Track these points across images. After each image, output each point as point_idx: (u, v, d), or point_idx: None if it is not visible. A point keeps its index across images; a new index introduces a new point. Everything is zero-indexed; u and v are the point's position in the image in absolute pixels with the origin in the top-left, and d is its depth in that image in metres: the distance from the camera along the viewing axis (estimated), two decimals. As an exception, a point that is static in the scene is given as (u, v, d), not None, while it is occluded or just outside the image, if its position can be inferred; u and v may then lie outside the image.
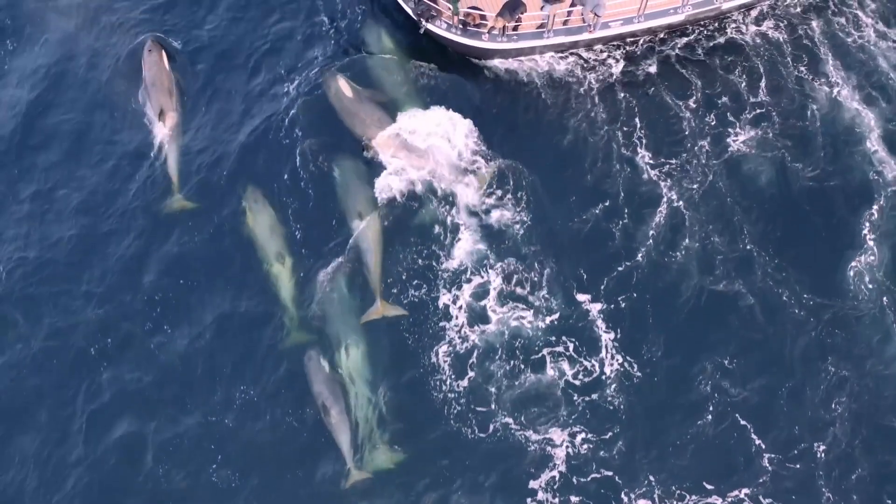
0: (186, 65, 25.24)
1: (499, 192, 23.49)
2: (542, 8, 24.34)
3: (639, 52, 25.80)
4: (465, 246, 22.72)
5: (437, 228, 22.94)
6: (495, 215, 23.19)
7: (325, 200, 23.36)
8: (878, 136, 24.25)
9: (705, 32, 26.03)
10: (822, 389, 21.34)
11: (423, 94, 24.72)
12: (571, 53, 25.60)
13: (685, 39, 25.96)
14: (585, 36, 25.03)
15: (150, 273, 22.53)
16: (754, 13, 26.31)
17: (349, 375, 21.42)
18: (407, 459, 20.77)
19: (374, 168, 23.71)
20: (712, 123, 24.57)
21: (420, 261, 22.61)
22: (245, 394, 21.35)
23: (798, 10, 26.37)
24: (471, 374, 21.49)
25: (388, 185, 23.38)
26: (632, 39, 25.81)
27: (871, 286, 22.30)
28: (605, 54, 25.73)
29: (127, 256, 22.72)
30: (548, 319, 22.00)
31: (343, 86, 24.22)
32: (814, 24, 26.07)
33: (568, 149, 24.25)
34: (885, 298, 22.15)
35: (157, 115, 23.80)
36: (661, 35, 25.92)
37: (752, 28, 26.07)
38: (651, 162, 24.02)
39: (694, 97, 25.01)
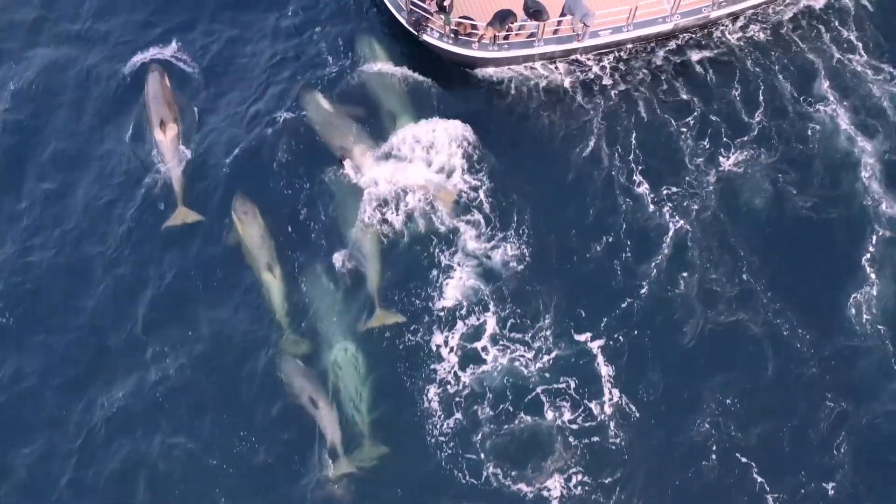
0: (186, 84, 24.73)
1: (489, 220, 22.53)
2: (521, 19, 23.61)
3: (632, 65, 24.92)
4: (459, 281, 21.76)
5: (428, 263, 22.03)
6: (489, 248, 22.22)
7: (320, 212, 22.74)
8: (874, 163, 23.60)
9: (695, 41, 25.25)
10: (825, 427, 20.70)
11: (416, 106, 23.90)
12: (566, 64, 24.74)
13: (676, 51, 25.15)
14: (575, 45, 24.22)
15: (146, 291, 22.01)
16: (748, 25, 25.58)
17: (338, 395, 20.70)
18: (397, 498, 19.97)
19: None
20: (707, 146, 23.74)
21: (414, 300, 21.68)
22: (238, 416, 20.69)
23: (786, 17, 25.68)
24: (465, 413, 20.55)
25: (370, 206, 22.51)
26: (623, 48, 24.99)
27: (871, 321, 21.77)
28: (599, 66, 24.84)
29: (124, 277, 22.26)
30: (545, 358, 21.08)
31: (321, 100, 23.74)
32: (802, 39, 25.40)
33: (563, 175, 23.31)
34: (885, 333, 21.64)
35: (157, 126, 23.50)
36: (652, 43, 25.12)
37: (743, 41, 25.32)
38: (647, 189, 23.10)
39: (690, 117, 24.13)
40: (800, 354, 21.35)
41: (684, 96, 24.45)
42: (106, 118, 24.17)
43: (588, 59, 24.82)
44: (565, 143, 23.69)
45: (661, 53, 25.10)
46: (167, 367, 21.09)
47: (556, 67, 24.63)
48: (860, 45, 25.19)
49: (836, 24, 25.56)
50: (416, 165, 22.67)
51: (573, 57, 24.70)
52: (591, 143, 23.65)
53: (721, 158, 23.60)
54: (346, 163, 22.87)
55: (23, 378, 21.03)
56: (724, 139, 23.84)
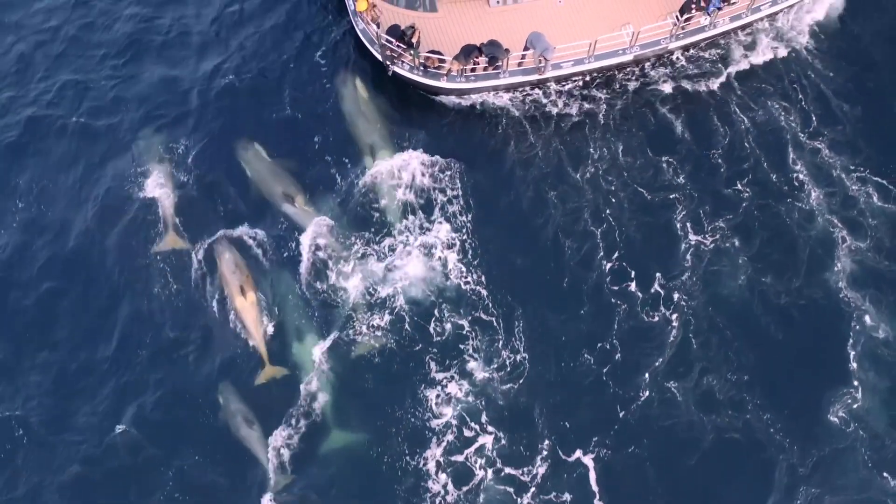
0: (180, 126, 25.94)
1: (473, 310, 23.23)
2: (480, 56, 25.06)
3: (595, 100, 26.30)
4: (450, 395, 22.09)
5: (419, 379, 22.43)
6: (483, 364, 22.63)
7: (299, 243, 23.78)
8: (848, 261, 24.02)
9: (673, 96, 26.41)
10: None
11: (393, 140, 25.19)
12: (533, 96, 26.21)
13: (645, 86, 26.55)
14: (538, 76, 25.67)
15: (125, 313, 23.03)
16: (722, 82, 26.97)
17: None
18: None
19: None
20: (686, 228, 24.32)
21: (409, 417, 22.03)
22: (211, 441, 21.61)
23: (742, 68, 27.02)
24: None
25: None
26: (584, 83, 26.55)
27: (855, 423, 22.18)
28: (563, 100, 26.18)
29: (106, 297, 23.23)
30: (540, 475, 21.16)
31: (260, 151, 25.01)
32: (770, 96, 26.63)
33: (546, 260, 24.05)
34: (867, 434, 22.13)
35: (157, 159, 24.83)
36: (612, 74, 26.63)
37: (717, 96, 26.55)
38: (637, 287, 23.57)
39: (674, 192, 24.96)
40: (792, 465, 21.70)
41: (652, 155, 25.57)
42: (100, 154, 25.37)
43: (554, 88, 26.29)
44: (550, 221, 24.62)
45: (622, 86, 26.56)
46: (140, 393, 21.98)
47: (525, 96, 26.09)
48: (817, 113, 26.21)
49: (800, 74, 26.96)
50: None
51: (540, 86, 26.20)
52: (575, 225, 24.50)
53: (700, 244, 24.13)
54: (292, 207, 24.04)
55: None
56: (703, 219, 24.49)
